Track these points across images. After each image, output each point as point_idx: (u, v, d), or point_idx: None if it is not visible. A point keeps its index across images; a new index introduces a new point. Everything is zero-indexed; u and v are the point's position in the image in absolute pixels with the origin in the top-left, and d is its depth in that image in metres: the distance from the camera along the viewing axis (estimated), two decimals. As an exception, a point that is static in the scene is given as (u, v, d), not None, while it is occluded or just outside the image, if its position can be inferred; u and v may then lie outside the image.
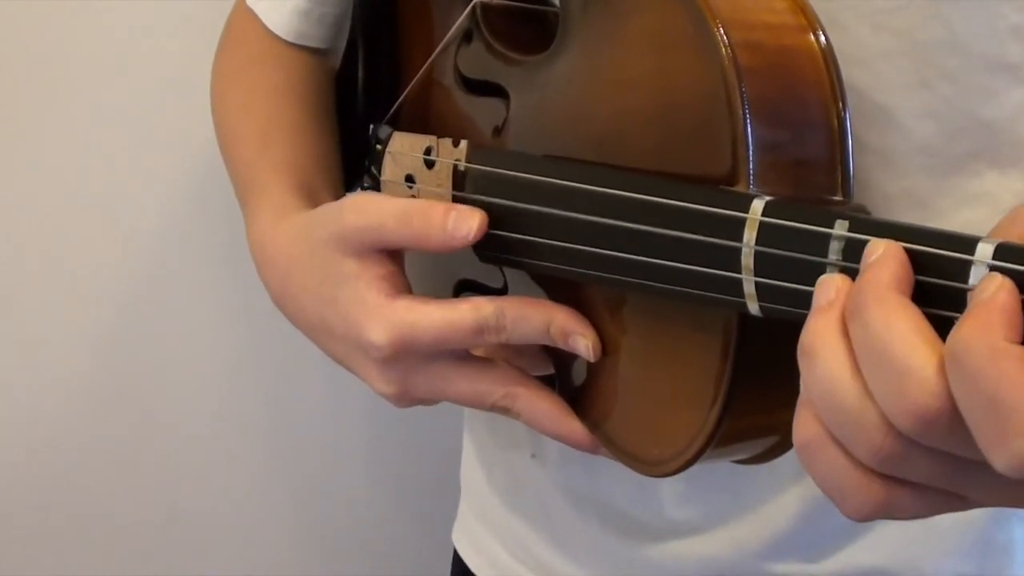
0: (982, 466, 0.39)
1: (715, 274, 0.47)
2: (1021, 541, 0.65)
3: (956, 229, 0.58)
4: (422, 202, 0.60)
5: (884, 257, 0.41)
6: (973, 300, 0.38)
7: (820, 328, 0.42)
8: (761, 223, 0.45)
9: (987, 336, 0.37)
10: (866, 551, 0.65)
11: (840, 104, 0.50)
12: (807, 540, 0.64)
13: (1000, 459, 0.37)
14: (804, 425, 0.43)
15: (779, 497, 0.64)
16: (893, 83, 0.56)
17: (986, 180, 0.58)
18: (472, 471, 0.80)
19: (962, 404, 0.38)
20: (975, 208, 0.58)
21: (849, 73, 0.54)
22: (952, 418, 0.38)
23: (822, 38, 0.51)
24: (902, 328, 0.39)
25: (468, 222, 0.57)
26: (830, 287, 0.42)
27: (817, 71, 0.50)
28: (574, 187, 0.54)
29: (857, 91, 0.56)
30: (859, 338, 0.40)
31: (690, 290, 0.49)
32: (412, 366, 0.60)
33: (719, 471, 0.62)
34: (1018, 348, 0.37)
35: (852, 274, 0.42)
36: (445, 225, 0.57)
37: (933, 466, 0.41)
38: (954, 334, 0.38)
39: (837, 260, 0.43)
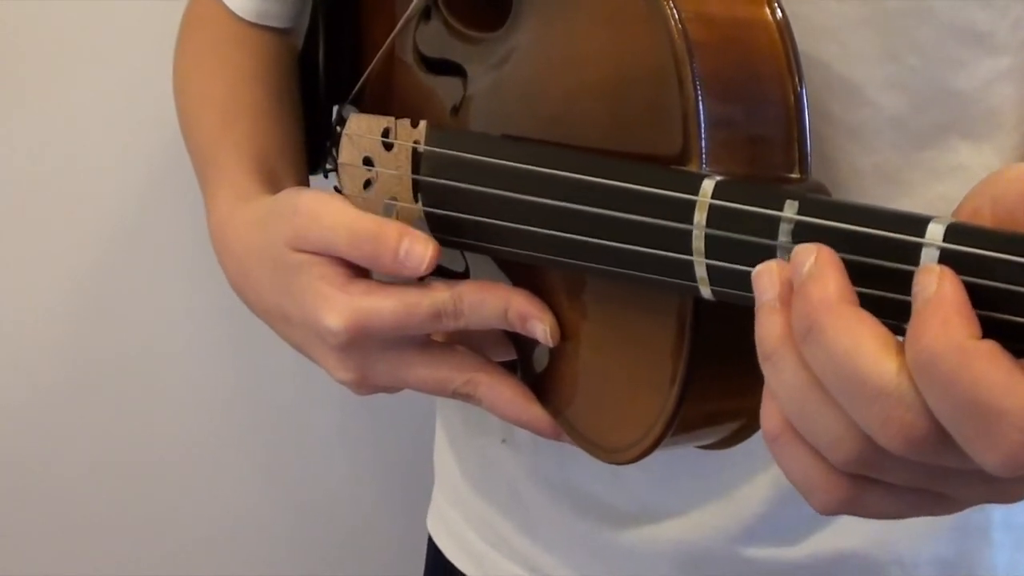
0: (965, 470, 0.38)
1: (667, 256, 0.46)
2: (999, 522, 0.65)
3: (928, 204, 0.57)
4: (373, 224, 0.58)
5: (823, 266, 0.39)
6: (918, 299, 0.36)
7: (775, 335, 0.40)
8: (711, 205, 0.44)
9: (950, 339, 0.35)
10: (842, 535, 0.64)
11: (796, 79, 0.49)
12: (781, 524, 0.64)
13: (993, 462, 0.36)
14: (771, 419, 0.42)
15: (752, 481, 0.63)
16: (860, 54, 0.55)
17: (959, 153, 0.57)
18: (444, 458, 0.79)
19: (942, 415, 0.36)
20: (948, 182, 0.57)
21: (815, 44, 0.52)
22: (940, 431, 0.37)
23: (778, 11, 0.50)
24: (868, 345, 0.37)
25: (420, 254, 0.56)
26: (772, 277, 0.40)
27: (772, 44, 0.49)
28: (527, 169, 0.53)
29: (823, 63, 0.55)
30: (820, 362, 0.38)
31: (643, 273, 0.48)
32: (371, 352, 0.59)
33: (691, 455, 0.61)
34: (985, 344, 0.35)
35: None
36: (397, 253, 0.57)
37: (914, 470, 0.40)
38: (915, 344, 0.36)
39: (787, 242, 0.41)
